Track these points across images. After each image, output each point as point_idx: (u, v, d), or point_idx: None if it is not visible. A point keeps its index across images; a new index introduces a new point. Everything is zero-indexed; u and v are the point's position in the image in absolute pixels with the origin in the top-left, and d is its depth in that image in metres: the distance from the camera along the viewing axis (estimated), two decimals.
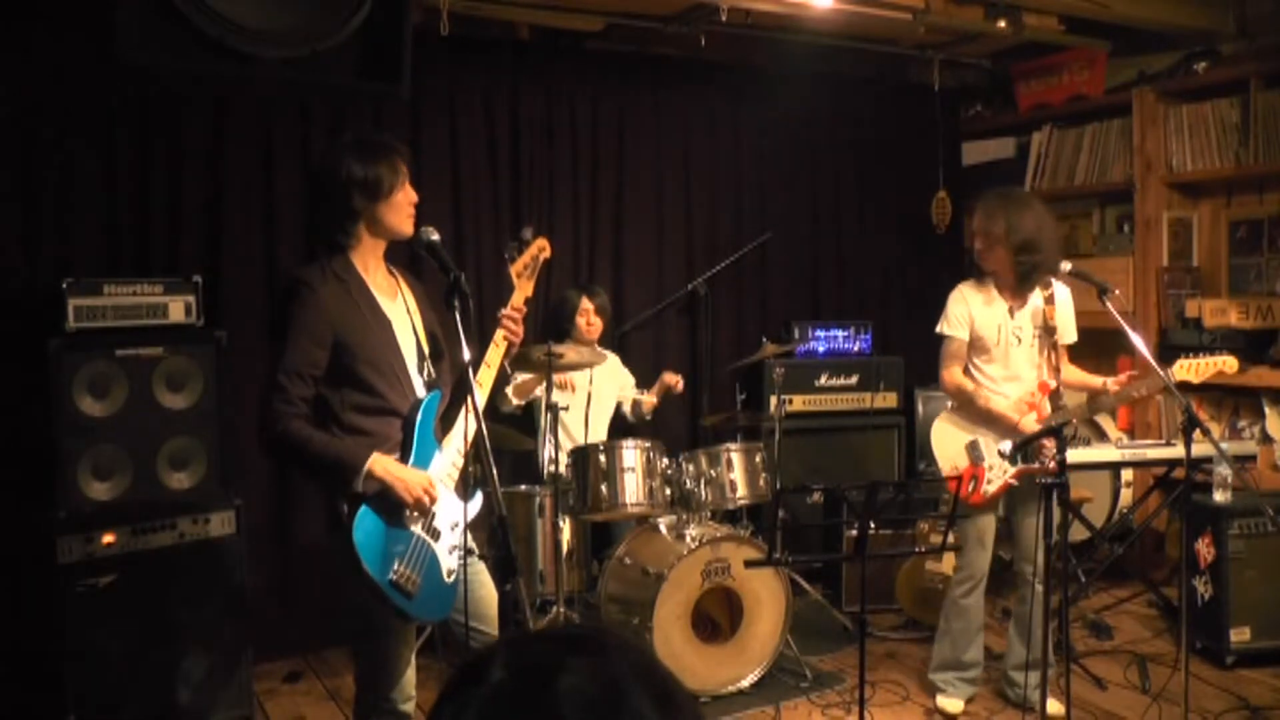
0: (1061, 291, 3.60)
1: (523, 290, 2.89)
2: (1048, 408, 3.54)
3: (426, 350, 2.66)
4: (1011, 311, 3.56)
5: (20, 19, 3.74)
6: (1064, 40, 5.06)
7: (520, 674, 0.78)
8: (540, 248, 2.97)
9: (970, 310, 3.58)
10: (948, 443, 3.66)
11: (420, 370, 2.62)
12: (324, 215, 2.57)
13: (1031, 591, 3.53)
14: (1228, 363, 3.33)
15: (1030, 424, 3.47)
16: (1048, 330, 3.54)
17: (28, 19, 3.75)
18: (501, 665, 0.79)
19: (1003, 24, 4.71)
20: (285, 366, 2.42)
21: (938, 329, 3.66)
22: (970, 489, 3.54)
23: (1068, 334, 3.61)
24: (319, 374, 2.46)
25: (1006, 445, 3.47)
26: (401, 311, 2.63)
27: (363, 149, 2.54)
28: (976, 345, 3.60)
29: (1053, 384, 3.54)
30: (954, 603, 3.68)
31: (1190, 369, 3.32)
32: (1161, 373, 3.28)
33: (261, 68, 3.27)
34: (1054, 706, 3.34)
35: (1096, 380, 3.58)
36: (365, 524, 2.40)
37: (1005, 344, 3.55)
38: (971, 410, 3.61)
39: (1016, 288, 3.55)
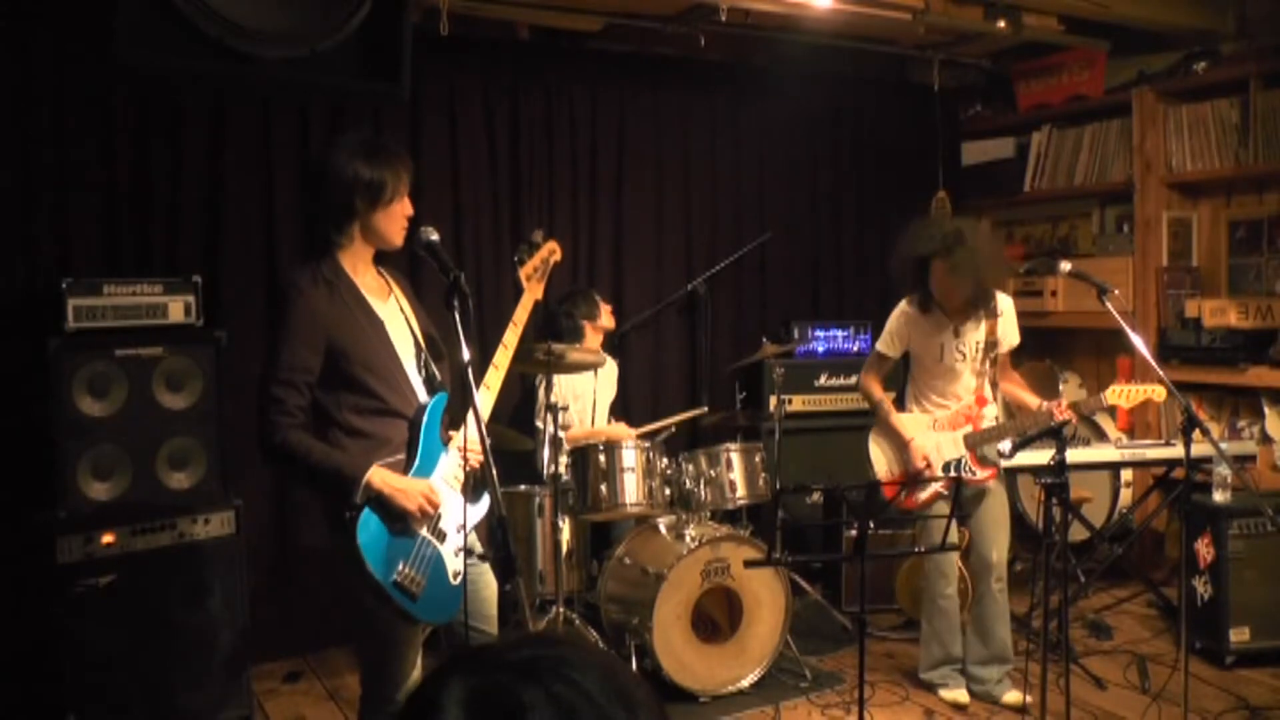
0: (1004, 302, 3.70)
1: (532, 293, 2.90)
2: (985, 421, 3.65)
3: (424, 348, 2.65)
4: (956, 330, 3.64)
5: (20, 19, 3.74)
6: (1063, 40, 5.05)
7: (480, 714, 0.74)
8: (550, 250, 2.99)
9: (909, 333, 3.69)
10: (880, 453, 3.78)
11: (419, 369, 2.61)
12: (321, 210, 2.56)
13: (988, 589, 3.66)
14: (1156, 391, 3.45)
15: (924, 445, 3.62)
16: (990, 345, 3.64)
17: (28, 19, 3.75)
18: (457, 701, 0.74)
19: (1002, 24, 4.71)
20: (279, 376, 2.41)
21: (877, 342, 3.79)
22: (903, 495, 3.66)
23: (1009, 342, 3.72)
24: (313, 380, 2.45)
25: (1007, 445, 3.52)
26: (395, 311, 2.62)
27: (371, 151, 2.53)
28: (919, 363, 3.72)
29: (989, 398, 3.67)
30: (934, 603, 3.76)
31: (1121, 395, 3.46)
32: (1159, 372, 3.31)
33: (261, 68, 3.26)
34: (1014, 696, 3.61)
35: (1032, 400, 3.68)
36: (370, 525, 2.39)
37: (950, 361, 3.65)
38: (878, 419, 3.78)
39: (963, 312, 3.63)
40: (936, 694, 3.77)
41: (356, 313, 2.51)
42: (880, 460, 3.78)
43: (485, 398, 2.66)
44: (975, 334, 3.63)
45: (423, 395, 2.59)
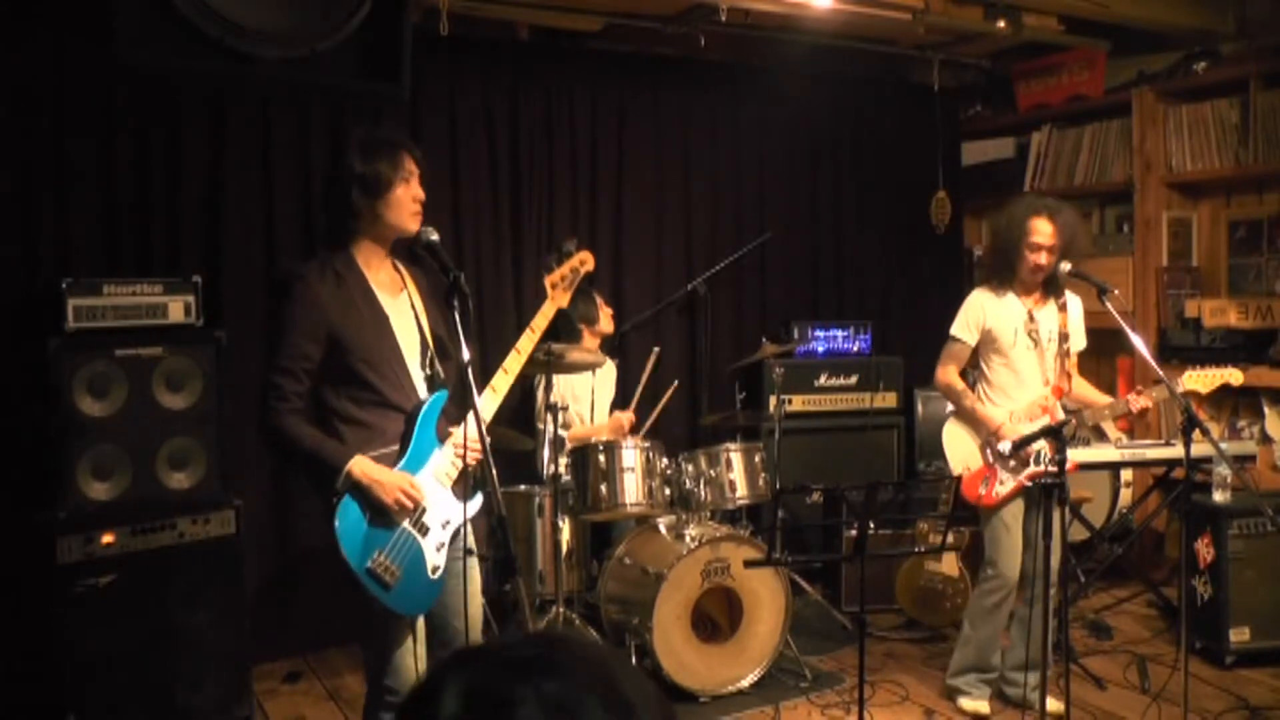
0: (1073, 301, 3.66)
1: (556, 301, 2.84)
2: (1060, 412, 3.56)
3: (431, 346, 2.66)
4: (1031, 315, 3.59)
5: (20, 19, 3.74)
6: (1063, 40, 5.06)
7: (474, 708, 0.77)
8: (582, 261, 2.91)
9: (985, 317, 3.60)
10: (959, 444, 3.67)
11: (423, 366, 2.62)
12: (328, 210, 2.62)
13: (1031, 592, 3.54)
14: (1233, 374, 3.38)
15: (1014, 431, 3.49)
16: (1061, 337, 3.58)
17: (28, 19, 3.75)
18: (454, 696, 0.78)
19: (1002, 24, 4.72)
20: (278, 363, 2.49)
21: (951, 328, 3.68)
22: (982, 490, 3.56)
23: (1078, 342, 3.66)
24: (312, 368, 2.50)
25: (1006, 445, 3.49)
26: (405, 308, 2.64)
27: (365, 146, 2.55)
28: (992, 347, 3.62)
29: (1065, 388, 3.58)
30: (984, 610, 3.62)
31: (1198, 379, 3.37)
32: (1159, 371, 3.30)
33: (261, 68, 3.27)
34: (1054, 705, 3.37)
35: (1101, 398, 3.62)
36: (349, 513, 2.45)
37: (1021, 346, 3.57)
38: (961, 409, 3.66)
39: (1043, 290, 3.59)
40: (957, 701, 3.68)
41: (361, 306, 2.54)
42: (959, 453, 3.63)
43: (490, 400, 2.67)
44: (1049, 322, 3.57)
45: (423, 392, 2.61)
